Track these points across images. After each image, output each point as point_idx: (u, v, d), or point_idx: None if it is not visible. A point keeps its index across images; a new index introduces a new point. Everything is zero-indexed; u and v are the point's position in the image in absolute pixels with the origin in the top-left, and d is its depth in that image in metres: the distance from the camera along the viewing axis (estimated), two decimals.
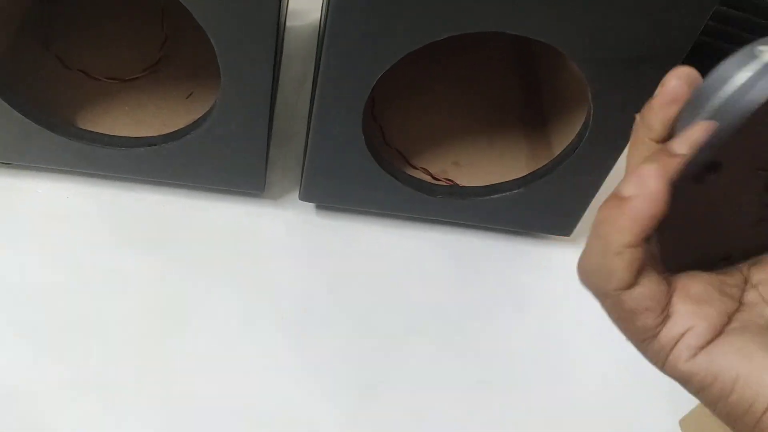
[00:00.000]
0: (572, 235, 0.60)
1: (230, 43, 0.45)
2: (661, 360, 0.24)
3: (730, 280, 0.27)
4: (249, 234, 0.56)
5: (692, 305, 0.24)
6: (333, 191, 0.56)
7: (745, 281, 0.27)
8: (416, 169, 0.59)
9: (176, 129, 0.54)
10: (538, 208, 0.57)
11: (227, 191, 0.58)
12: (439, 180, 0.59)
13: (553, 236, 0.61)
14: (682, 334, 0.24)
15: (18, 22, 0.59)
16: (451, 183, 0.59)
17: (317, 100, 0.49)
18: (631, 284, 0.24)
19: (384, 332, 0.53)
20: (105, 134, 0.54)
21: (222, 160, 0.54)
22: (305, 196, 0.56)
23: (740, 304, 0.26)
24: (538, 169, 0.56)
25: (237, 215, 0.57)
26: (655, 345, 0.24)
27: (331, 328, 0.52)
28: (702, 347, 0.23)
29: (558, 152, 0.55)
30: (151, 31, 0.62)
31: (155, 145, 0.53)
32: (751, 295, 0.26)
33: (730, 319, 0.24)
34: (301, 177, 0.55)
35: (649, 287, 0.24)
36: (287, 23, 0.71)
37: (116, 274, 0.51)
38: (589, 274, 0.26)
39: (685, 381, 0.24)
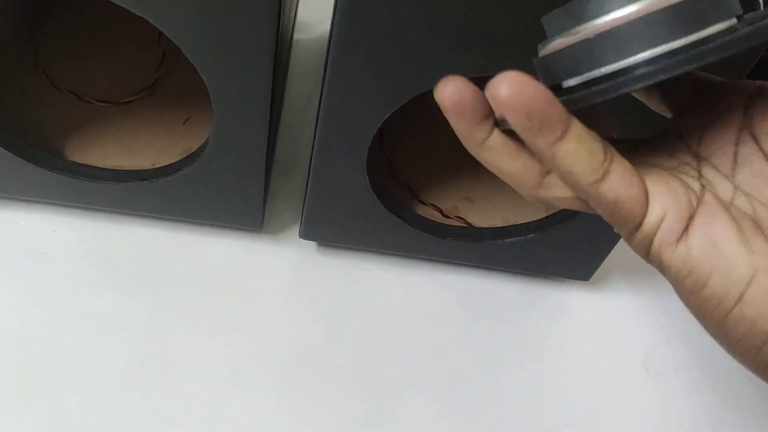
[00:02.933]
0: (591, 279, 0.56)
1: (223, 79, 0.42)
2: (645, 248, 0.24)
3: (683, 158, 0.26)
4: (244, 274, 0.53)
5: (663, 187, 0.23)
6: (335, 231, 0.52)
7: (697, 158, 0.26)
8: (426, 205, 0.55)
9: (171, 159, 0.51)
10: (556, 253, 0.53)
11: (223, 226, 0.54)
12: (449, 217, 0.55)
13: (571, 280, 0.57)
14: (662, 218, 0.23)
15: (5, 37, 0.55)
16: (462, 221, 0.55)
17: (318, 141, 0.45)
18: (597, 169, 0.23)
19: (383, 384, 0.49)
20: (94, 167, 0.50)
21: (217, 197, 0.50)
22: (305, 235, 0.53)
23: (701, 182, 0.25)
24: (557, 212, 0.52)
25: (232, 252, 0.53)
26: (639, 235, 0.24)
27: (327, 380, 0.49)
28: (680, 232, 0.23)
29: None
30: (147, 50, 0.58)
31: (146, 180, 0.49)
32: (708, 172, 0.26)
33: (699, 199, 0.24)
34: (302, 215, 0.51)
35: (620, 173, 0.23)
36: (295, 36, 0.67)
37: (99, 317, 0.48)
38: (565, 177, 0.23)
39: (665, 271, 0.24)
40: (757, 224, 0.24)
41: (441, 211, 0.55)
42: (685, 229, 0.23)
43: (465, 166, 0.58)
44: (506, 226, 0.53)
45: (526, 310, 0.55)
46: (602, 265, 0.55)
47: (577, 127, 0.22)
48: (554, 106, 0.22)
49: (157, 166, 0.51)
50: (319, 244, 0.56)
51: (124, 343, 0.48)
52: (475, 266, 0.56)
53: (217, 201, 0.51)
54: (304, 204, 0.51)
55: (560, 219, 0.52)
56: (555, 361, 0.53)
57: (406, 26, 0.37)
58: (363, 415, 0.48)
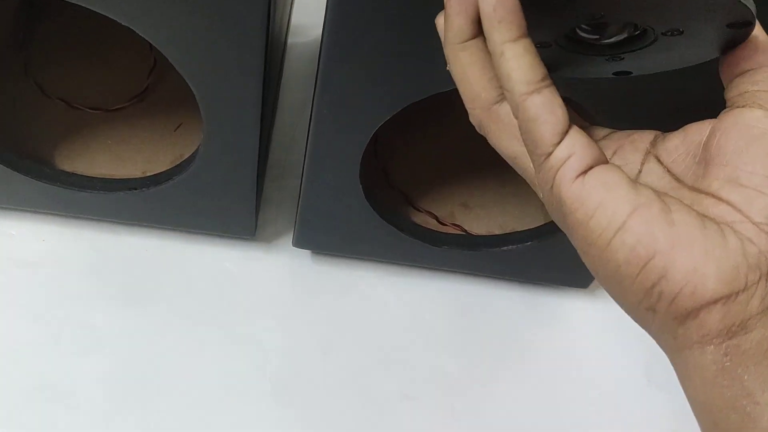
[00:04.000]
0: (589, 287, 0.55)
1: (212, 89, 0.41)
2: (549, 179, 0.26)
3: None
4: (237, 283, 0.52)
5: (583, 138, 0.26)
6: (328, 239, 0.52)
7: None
8: (421, 212, 0.54)
9: (162, 167, 0.50)
10: (553, 260, 0.52)
11: (216, 234, 0.53)
12: (445, 224, 0.54)
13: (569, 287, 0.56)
14: (568, 156, 0.25)
15: None
16: (459, 228, 0.54)
17: (310, 149, 0.44)
18: (531, 83, 0.26)
19: (378, 396, 0.48)
20: (83, 176, 0.50)
21: (208, 205, 0.49)
22: (298, 243, 0.52)
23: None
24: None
25: (225, 262, 0.53)
26: (547, 164, 0.26)
27: (321, 391, 0.48)
28: (580, 171, 0.25)
29: None
30: (138, 57, 0.57)
31: (136, 189, 0.49)
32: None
33: (605, 160, 0.26)
34: (295, 223, 0.51)
35: (549, 98, 0.26)
36: (289, 40, 0.66)
37: (89, 329, 0.48)
38: (504, 81, 0.26)
39: (560, 204, 0.26)
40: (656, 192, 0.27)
41: (437, 218, 0.54)
42: (585, 171, 0.25)
43: (461, 172, 0.57)
44: (503, 234, 0.52)
45: (523, 318, 0.54)
46: None
47: (528, 42, 0.26)
48: (517, 12, 0.25)
49: (148, 174, 0.50)
50: (313, 252, 0.55)
51: (114, 357, 0.47)
52: (472, 274, 0.55)
53: (209, 209, 0.50)
54: (297, 212, 0.50)
55: (557, 226, 0.51)
56: (553, 371, 0.52)
57: (397, 35, 0.36)
58: (358, 427, 0.47)
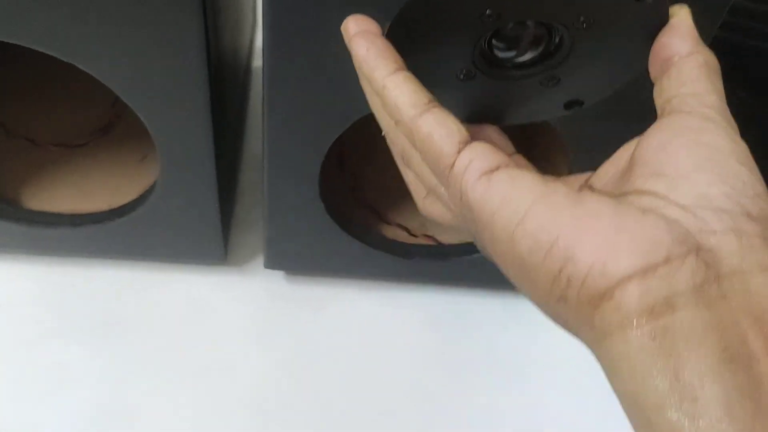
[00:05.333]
0: None
1: (160, 118, 0.41)
2: (456, 191, 0.25)
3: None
4: (209, 311, 0.52)
5: (489, 146, 0.25)
6: (299, 259, 0.51)
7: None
8: (392, 225, 0.54)
9: (129, 199, 0.50)
10: None
11: (187, 262, 0.53)
12: (416, 236, 0.54)
13: None
14: (471, 161, 0.24)
15: None
16: (430, 240, 0.54)
17: (267, 171, 0.44)
18: (417, 105, 0.25)
19: (356, 416, 0.48)
20: (48, 212, 0.50)
21: (174, 234, 0.49)
22: (270, 265, 0.52)
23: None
24: None
25: (196, 289, 0.53)
26: (452, 175, 0.25)
27: (300, 414, 0.48)
28: (484, 171, 0.24)
29: None
30: (100, 90, 0.57)
31: (101, 222, 0.49)
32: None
33: (517, 163, 0.25)
34: (264, 245, 0.51)
35: (438, 115, 0.25)
36: (255, 63, 0.66)
37: (58, 369, 0.47)
38: (392, 112, 0.26)
39: (469, 212, 0.25)
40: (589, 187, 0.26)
41: (408, 231, 0.54)
42: (490, 171, 0.24)
43: None
44: (472, 242, 0.52)
45: (502, 326, 0.54)
46: None
47: (408, 74, 0.26)
48: (390, 49, 0.26)
49: (115, 207, 0.50)
50: (286, 273, 0.55)
51: (84, 397, 0.47)
52: (448, 285, 0.55)
53: (176, 238, 0.50)
54: (265, 234, 0.50)
55: None
56: (539, 380, 0.52)
57: (335, 53, 0.36)
58: None
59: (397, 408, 0.49)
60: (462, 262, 0.51)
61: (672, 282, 0.21)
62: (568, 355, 0.53)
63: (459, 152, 0.25)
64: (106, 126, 0.55)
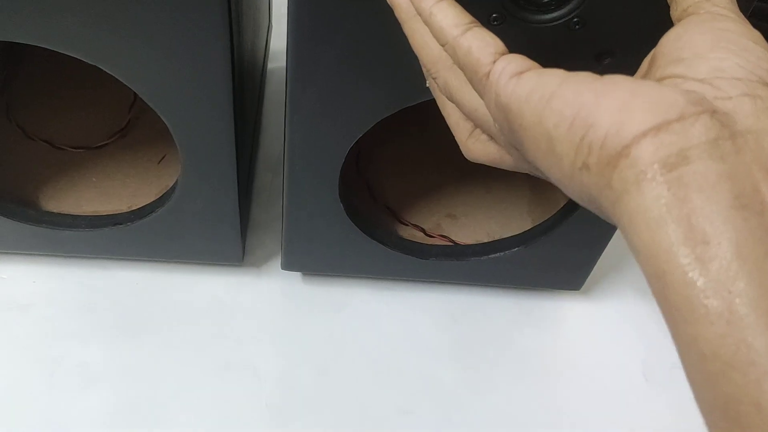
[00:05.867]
0: (583, 288, 0.55)
1: (183, 119, 0.41)
2: (492, 96, 0.26)
3: None
4: (229, 310, 0.52)
5: (523, 57, 0.26)
6: (316, 260, 0.52)
7: None
8: (408, 225, 0.55)
9: (148, 200, 0.51)
10: (543, 264, 0.52)
11: (205, 263, 0.54)
12: (432, 236, 0.54)
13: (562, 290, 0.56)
14: (505, 66, 0.26)
15: None
16: (446, 240, 0.54)
17: (287, 172, 0.44)
18: (460, 25, 0.27)
19: (375, 414, 0.48)
20: (68, 215, 0.50)
21: (193, 235, 0.50)
22: (287, 266, 0.52)
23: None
24: (541, 223, 0.52)
25: (215, 290, 0.53)
26: (488, 83, 0.26)
27: (318, 414, 0.48)
28: (515, 73, 0.25)
29: (564, 197, 0.50)
30: (119, 91, 0.58)
31: (121, 224, 0.49)
32: None
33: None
34: (281, 246, 0.51)
35: (479, 33, 0.27)
36: (270, 65, 0.67)
37: (83, 367, 0.48)
38: (437, 35, 0.28)
39: (506, 112, 0.26)
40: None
41: (424, 231, 0.54)
42: (521, 72, 0.26)
43: (446, 183, 0.57)
44: (489, 242, 0.52)
45: (518, 324, 0.54)
46: (594, 273, 0.54)
47: (451, 0, 0.28)
48: None
49: (134, 208, 0.51)
50: (303, 274, 0.55)
51: (111, 392, 0.47)
52: (464, 284, 0.55)
53: (194, 239, 0.50)
54: (282, 235, 0.50)
55: (544, 230, 0.51)
56: (552, 376, 0.52)
57: (361, 54, 0.37)
58: None
59: (415, 407, 0.49)
60: (478, 262, 0.52)
61: (686, 136, 0.22)
62: (583, 353, 0.54)
63: (495, 62, 0.26)
64: (124, 127, 0.56)
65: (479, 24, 0.28)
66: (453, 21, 0.28)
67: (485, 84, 0.26)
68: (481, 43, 0.27)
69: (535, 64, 0.26)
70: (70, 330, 0.49)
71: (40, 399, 0.46)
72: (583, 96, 0.23)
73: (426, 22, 0.28)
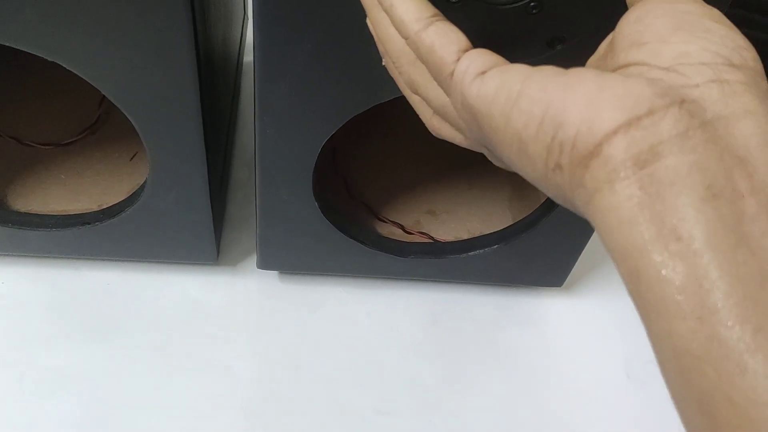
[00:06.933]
0: (564, 284, 0.54)
1: (148, 116, 0.40)
2: (458, 96, 0.25)
3: None
4: (203, 310, 0.51)
5: (488, 53, 0.26)
6: (292, 259, 0.51)
7: None
8: (386, 222, 0.54)
9: (119, 198, 0.49)
10: (524, 261, 0.51)
11: (179, 262, 0.52)
12: (411, 233, 0.53)
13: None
14: (468, 65, 0.25)
15: None
16: (426, 237, 0.53)
17: (259, 170, 0.43)
18: (421, 20, 0.26)
19: (353, 415, 0.47)
20: (35, 214, 0.49)
21: (165, 234, 0.48)
22: (262, 265, 0.51)
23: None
24: (521, 220, 0.51)
25: (189, 289, 0.52)
26: (452, 83, 0.26)
27: (295, 414, 0.47)
28: (479, 72, 0.25)
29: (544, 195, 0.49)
30: (88, 86, 0.56)
31: (90, 223, 0.48)
32: None
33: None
34: (256, 245, 0.50)
35: (441, 28, 0.26)
36: (246, 59, 0.65)
37: (54, 370, 0.47)
38: (398, 27, 0.27)
39: (472, 113, 0.25)
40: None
41: (403, 228, 0.53)
42: (484, 72, 0.25)
43: (425, 179, 0.56)
44: (469, 239, 0.51)
45: (499, 322, 0.53)
46: (576, 269, 0.53)
47: None
48: None
49: (104, 206, 0.49)
50: (280, 272, 0.54)
51: (80, 397, 0.46)
52: (443, 282, 0.54)
53: (166, 238, 0.49)
54: (256, 233, 0.49)
55: (524, 227, 0.50)
56: (533, 374, 0.51)
57: (327, 51, 0.35)
58: None
59: (393, 407, 0.48)
60: (458, 260, 0.51)
61: (656, 131, 0.21)
62: (565, 350, 0.53)
63: (458, 60, 0.25)
64: (94, 124, 0.54)
65: (441, 16, 0.27)
66: (414, 15, 0.26)
67: (450, 83, 0.26)
68: (443, 40, 0.26)
69: (500, 60, 0.25)
70: (40, 332, 0.48)
71: (8, 403, 0.45)
72: (549, 92, 0.23)
73: (387, 14, 0.27)
